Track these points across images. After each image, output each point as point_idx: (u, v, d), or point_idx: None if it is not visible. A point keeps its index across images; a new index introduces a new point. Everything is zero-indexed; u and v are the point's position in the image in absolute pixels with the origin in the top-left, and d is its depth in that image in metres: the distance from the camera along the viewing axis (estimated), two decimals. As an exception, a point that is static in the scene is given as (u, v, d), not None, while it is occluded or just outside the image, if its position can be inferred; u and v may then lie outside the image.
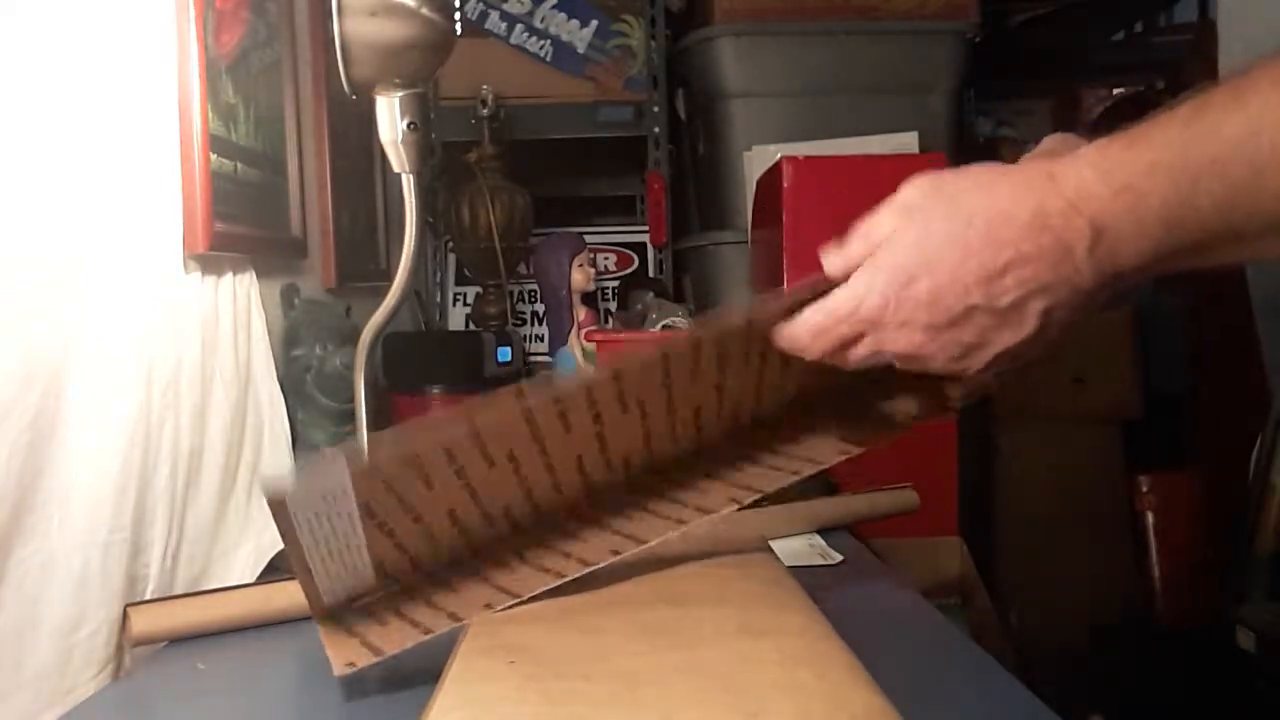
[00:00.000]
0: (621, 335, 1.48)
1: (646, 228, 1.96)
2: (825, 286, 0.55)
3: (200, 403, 0.88)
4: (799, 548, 0.88)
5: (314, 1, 1.28)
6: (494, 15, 1.90)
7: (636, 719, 0.44)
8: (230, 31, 1.01)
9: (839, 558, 0.86)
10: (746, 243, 1.69)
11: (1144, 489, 1.93)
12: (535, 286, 1.82)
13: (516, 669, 0.48)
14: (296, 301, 1.17)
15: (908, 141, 1.67)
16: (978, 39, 1.85)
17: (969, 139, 2.25)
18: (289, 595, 0.76)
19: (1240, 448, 1.57)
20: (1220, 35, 1.56)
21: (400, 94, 0.91)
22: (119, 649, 0.72)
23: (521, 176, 1.77)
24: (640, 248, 2.00)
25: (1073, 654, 1.73)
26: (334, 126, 1.35)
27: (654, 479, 0.63)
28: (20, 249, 0.65)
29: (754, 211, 1.60)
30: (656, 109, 1.94)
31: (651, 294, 1.73)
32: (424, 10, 0.87)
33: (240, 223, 1.00)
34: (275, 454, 1.05)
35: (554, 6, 1.91)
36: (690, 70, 1.93)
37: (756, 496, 0.62)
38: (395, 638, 0.56)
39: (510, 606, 0.57)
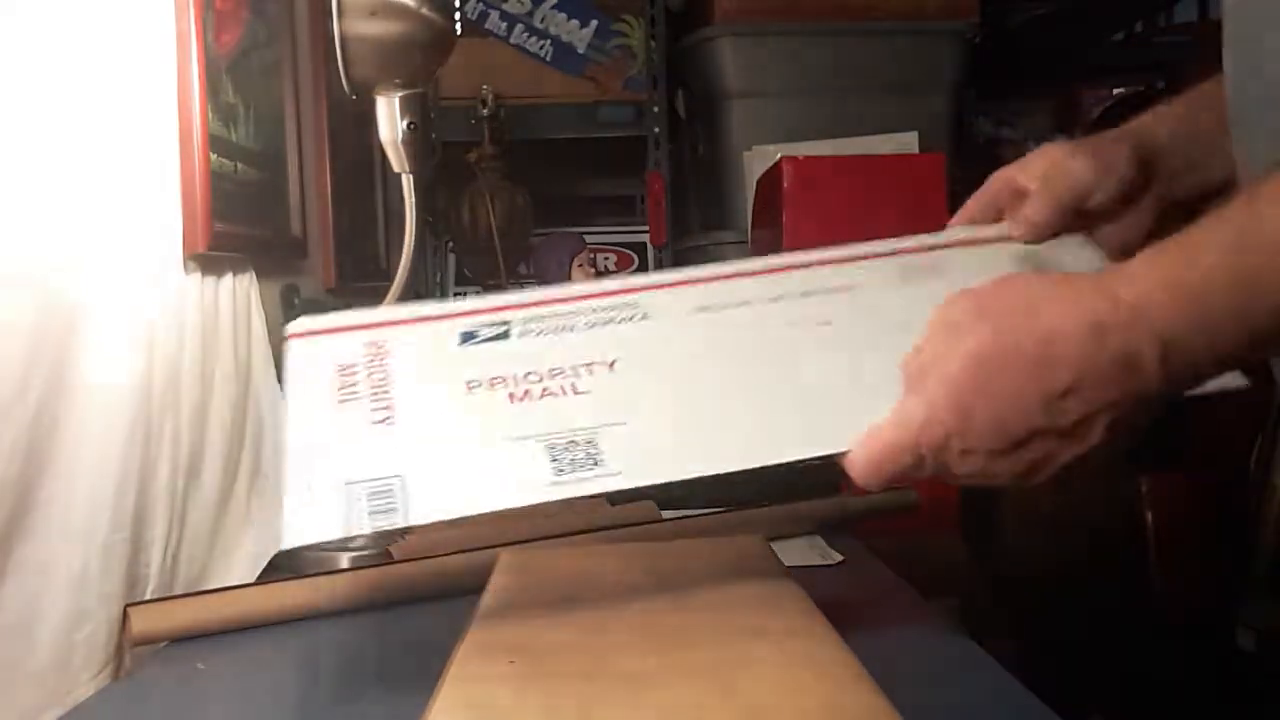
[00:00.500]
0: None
1: (646, 228, 1.96)
2: None
3: (200, 402, 0.88)
4: (799, 548, 0.88)
5: (314, 1, 1.28)
6: (494, 15, 1.91)
7: (636, 719, 0.44)
8: (230, 31, 1.01)
9: (839, 558, 0.86)
10: (746, 243, 1.69)
11: (1144, 489, 1.93)
12: (535, 286, 1.82)
13: (516, 669, 0.48)
14: (296, 301, 1.17)
15: (908, 141, 1.67)
16: (978, 39, 1.85)
17: (969, 139, 2.25)
18: (289, 595, 0.76)
19: (1240, 448, 1.57)
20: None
21: (400, 94, 0.91)
22: (119, 649, 0.72)
23: (521, 176, 1.78)
24: (640, 248, 2.00)
25: (1072, 653, 1.73)
26: (334, 126, 1.35)
27: None
28: (20, 249, 0.65)
29: (754, 211, 1.60)
30: (656, 109, 1.94)
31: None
32: (424, 10, 0.87)
33: (240, 223, 1.00)
34: (275, 454, 1.05)
35: (554, 6, 1.92)
36: (690, 70, 1.93)
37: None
38: None
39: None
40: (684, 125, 2.08)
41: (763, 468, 0.53)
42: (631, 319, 0.59)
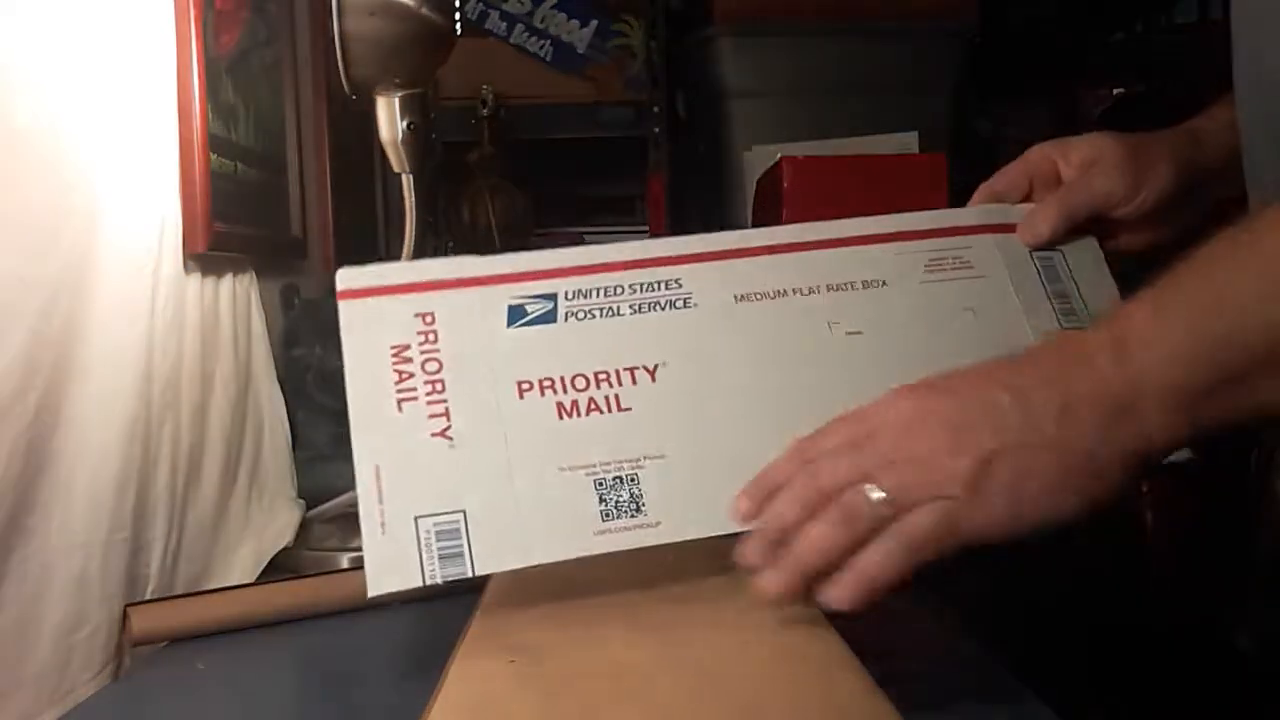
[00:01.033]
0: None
1: (646, 228, 1.96)
2: None
3: (200, 402, 0.88)
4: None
5: (314, 1, 1.28)
6: (494, 15, 1.90)
7: (636, 718, 0.44)
8: (230, 31, 1.01)
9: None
10: (746, 243, 1.69)
11: (1143, 489, 1.93)
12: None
13: (516, 669, 0.48)
14: (296, 301, 1.17)
15: (908, 141, 1.67)
16: (978, 39, 1.84)
17: (969, 139, 2.24)
18: (289, 595, 0.76)
19: (1240, 448, 1.57)
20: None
21: (400, 94, 0.91)
22: (119, 649, 0.72)
23: (521, 176, 1.77)
24: (640, 248, 2.00)
25: (1072, 654, 1.73)
26: (334, 126, 1.35)
27: None
28: (20, 249, 0.65)
29: (754, 211, 1.60)
30: (656, 109, 1.93)
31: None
32: (424, 10, 0.87)
33: (240, 223, 1.00)
34: (275, 454, 1.05)
35: (554, 6, 1.91)
36: (690, 70, 1.93)
37: None
38: None
39: None
40: (684, 125, 2.08)
41: None
42: (674, 304, 0.61)
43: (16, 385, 0.63)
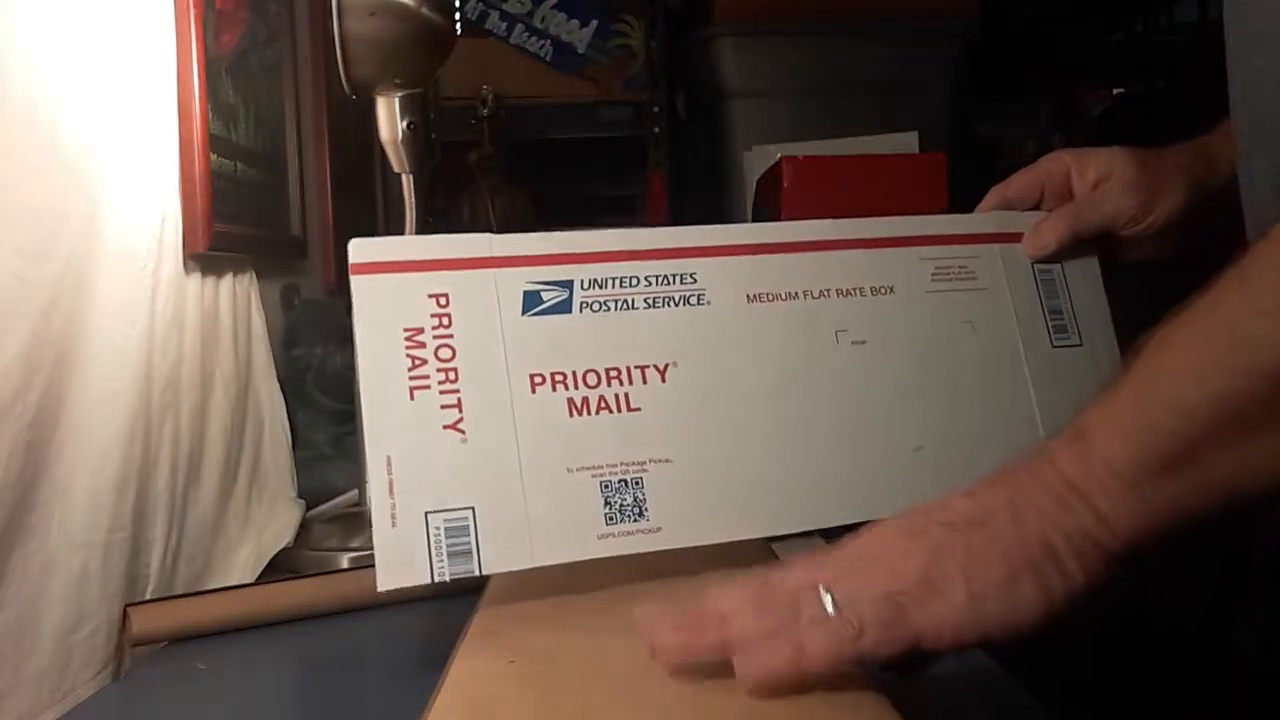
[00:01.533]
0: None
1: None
2: None
3: (200, 402, 0.88)
4: (798, 548, 0.88)
5: (314, 1, 1.28)
6: (494, 15, 1.90)
7: (636, 718, 0.44)
8: (230, 31, 1.01)
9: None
10: (746, 243, 1.69)
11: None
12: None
13: (516, 669, 0.48)
14: (296, 301, 1.17)
15: (908, 141, 1.67)
16: (978, 39, 1.84)
17: (969, 139, 2.24)
18: (289, 595, 0.76)
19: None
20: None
21: (400, 94, 0.91)
22: (119, 649, 0.72)
23: (521, 176, 1.77)
24: (640, 248, 2.00)
25: (1070, 654, 1.73)
26: (334, 126, 1.35)
27: None
28: (20, 249, 0.65)
29: (754, 211, 1.60)
30: (656, 109, 1.94)
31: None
32: (424, 10, 0.87)
33: (240, 223, 1.00)
34: (275, 454, 1.05)
35: (554, 6, 1.92)
36: (690, 70, 1.93)
37: None
38: None
39: None
40: (684, 125, 2.08)
41: None
42: (688, 300, 0.62)
43: (16, 385, 0.63)
